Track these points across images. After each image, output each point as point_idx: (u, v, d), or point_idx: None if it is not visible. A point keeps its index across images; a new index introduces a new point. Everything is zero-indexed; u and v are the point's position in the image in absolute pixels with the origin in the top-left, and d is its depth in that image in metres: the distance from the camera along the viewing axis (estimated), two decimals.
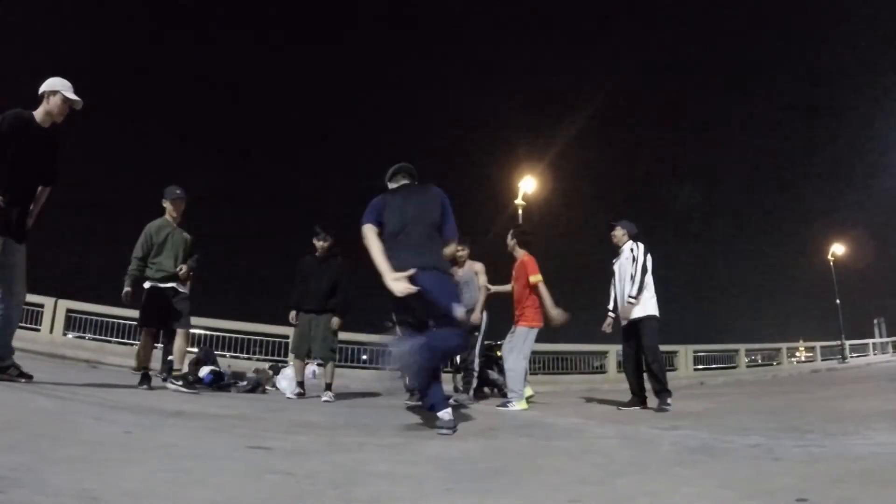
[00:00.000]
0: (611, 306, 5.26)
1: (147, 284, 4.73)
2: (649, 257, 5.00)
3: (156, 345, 5.27)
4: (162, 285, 4.71)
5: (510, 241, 5.50)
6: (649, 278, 4.95)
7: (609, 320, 5.27)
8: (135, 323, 9.63)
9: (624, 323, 5.04)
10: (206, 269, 5.57)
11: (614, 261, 5.26)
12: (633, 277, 4.91)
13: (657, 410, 4.55)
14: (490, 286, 5.78)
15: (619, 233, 5.21)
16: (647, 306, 4.93)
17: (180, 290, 4.81)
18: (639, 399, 4.96)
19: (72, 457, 1.58)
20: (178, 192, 4.88)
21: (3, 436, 1.81)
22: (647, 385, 4.96)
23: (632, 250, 5.03)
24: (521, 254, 5.44)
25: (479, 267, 5.80)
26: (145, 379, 4.65)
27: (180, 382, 4.62)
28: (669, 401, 4.64)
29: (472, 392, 5.74)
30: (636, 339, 4.95)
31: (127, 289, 4.63)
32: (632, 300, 4.88)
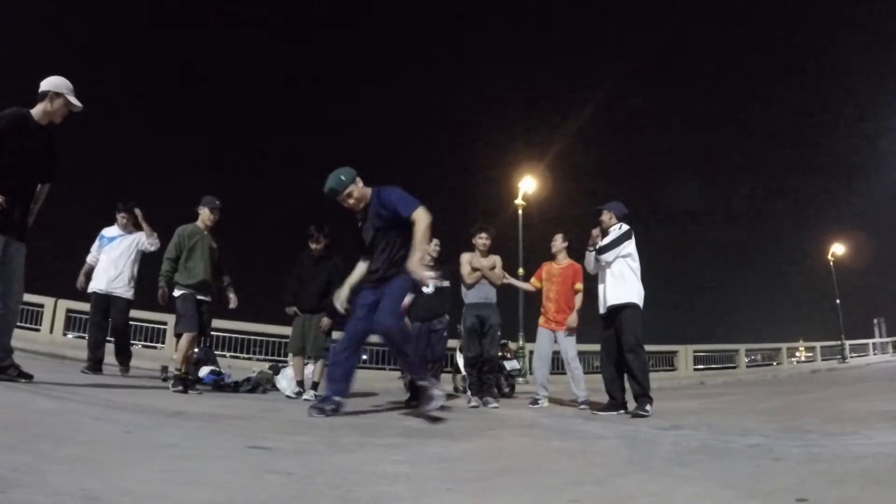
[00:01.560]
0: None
1: (178, 291, 4.77)
2: (631, 242, 4.59)
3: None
4: (198, 295, 4.81)
5: (563, 244, 5.48)
6: (635, 264, 4.56)
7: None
8: (134, 324, 9.63)
9: (603, 312, 4.64)
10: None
11: None
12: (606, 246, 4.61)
13: (633, 416, 4.16)
14: (507, 275, 5.58)
15: (606, 217, 4.82)
16: (630, 292, 4.49)
17: (207, 299, 4.93)
18: (618, 403, 4.50)
19: (72, 457, 1.58)
20: (217, 202, 5.08)
21: (3, 436, 1.80)
22: (629, 386, 4.49)
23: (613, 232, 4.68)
24: (567, 259, 5.44)
25: (498, 260, 5.53)
26: (180, 382, 4.52)
27: (180, 387, 4.46)
28: (649, 407, 4.20)
29: (495, 391, 5.78)
30: (615, 331, 4.49)
31: (164, 289, 4.80)
32: (594, 254, 4.63)
